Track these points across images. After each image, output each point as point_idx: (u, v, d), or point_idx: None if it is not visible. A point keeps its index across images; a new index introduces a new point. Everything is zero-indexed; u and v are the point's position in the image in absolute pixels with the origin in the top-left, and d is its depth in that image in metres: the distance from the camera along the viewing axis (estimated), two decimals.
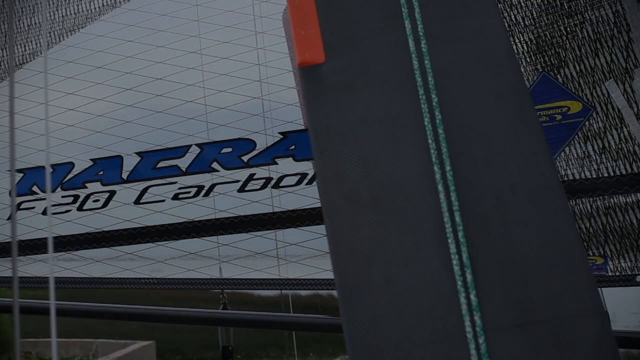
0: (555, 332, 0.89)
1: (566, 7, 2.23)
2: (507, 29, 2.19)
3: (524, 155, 1.01)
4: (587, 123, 2.20)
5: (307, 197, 2.34)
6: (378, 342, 0.88)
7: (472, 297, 0.89)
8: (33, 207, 2.51)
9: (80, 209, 2.44)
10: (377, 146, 1.01)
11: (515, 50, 2.20)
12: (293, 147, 2.34)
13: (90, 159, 2.44)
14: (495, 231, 0.94)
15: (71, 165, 2.46)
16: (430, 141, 1.00)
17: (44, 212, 2.50)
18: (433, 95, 1.03)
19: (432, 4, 1.11)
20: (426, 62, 1.06)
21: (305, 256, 2.33)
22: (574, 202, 2.21)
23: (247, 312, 3.15)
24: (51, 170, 2.49)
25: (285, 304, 3.65)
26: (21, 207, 2.53)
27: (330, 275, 2.52)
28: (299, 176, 2.34)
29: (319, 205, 2.37)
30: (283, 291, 4.11)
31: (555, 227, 0.95)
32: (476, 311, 0.88)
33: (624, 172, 2.15)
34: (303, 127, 2.47)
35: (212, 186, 2.35)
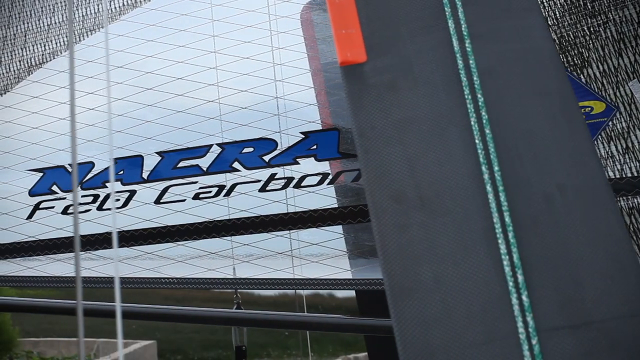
0: (607, 333, 0.88)
1: (589, 7, 2.22)
2: None
3: (570, 155, 1.00)
4: (610, 123, 2.19)
5: (330, 197, 2.34)
6: (429, 343, 0.88)
7: (524, 298, 0.89)
8: (52, 207, 2.51)
9: (100, 208, 2.44)
10: (423, 146, 1.01)
11: None
12: (315, 147, 2.34)
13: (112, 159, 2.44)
14: (544, 231, 0.94)
15: (91, 164, 2.46)
16: (477, 141, 0.99)
17: (64, 212, 2.50)
18: (479, 95, 1.02)
19: (475, 3, 1.10)
20: (471, 61, 1.05)
21: (328, 256, 2.33)
22: None
23: (263, 312, 3.12)
24: (71, 169, 2.49)
25: (299, 304, 3.65)
26: (40, 206, 2.53)
27: (346, 275, 2.51)
28: (321, 176, 2.34)
29: (339, 205, 2.37)
30: (292, 291, 4.11)
31: (604, 227, 0.95)
32: (528, 312, 0.88)
33: None
34: (323, 127, 2.47)
35: (233, 186, 2.35)
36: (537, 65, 1.06)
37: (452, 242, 0.93)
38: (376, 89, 1.07)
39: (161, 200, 2.38)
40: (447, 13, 1.09)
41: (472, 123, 1.00)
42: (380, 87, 1.07)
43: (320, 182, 2.33)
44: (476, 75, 1.04)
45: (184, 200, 2.37)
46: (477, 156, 0.98)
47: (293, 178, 2.33)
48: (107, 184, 2.43)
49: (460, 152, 0.99)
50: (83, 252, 2.54)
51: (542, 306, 0.88)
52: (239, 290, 2.67)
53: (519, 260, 0.91)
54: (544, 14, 2.25)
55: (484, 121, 1.00)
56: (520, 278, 0.90)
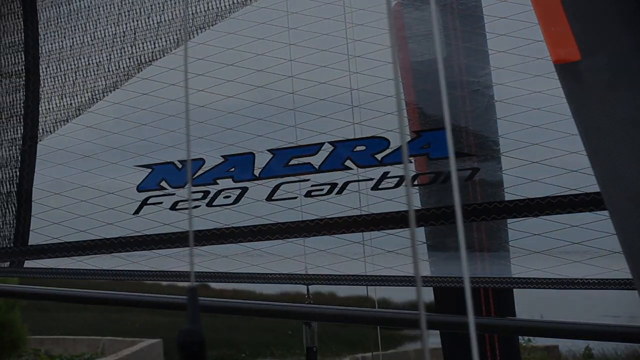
0: None
1: None
2: None
3: None
4: None
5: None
6: None
7: None
8: (161, 202, 2.54)
9: (210, 204, 2.46)
10: None
11: None
12: (427, 145, 2.33)
13: (221, 156, 2.46)
14: None
15: (201, 161, 2.48)
16: None
17: (172, 207, 2.53)
18: None
19: None
20: None
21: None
22: None
23: (338, 307, 3.09)
24: (180, 166, 2.52)
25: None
26: (148, 202, 2.57)
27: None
28: (433, 174, 2.33)
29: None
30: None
31: None
32: None
33: None
34: (412, 127, 2.47)
35: (346, 184, 2.35)
36: None
37: None
38: (595, 88, 1.06)
39: (273, 198, 2.40)
40: None
41: None
42: (600, 86, 1.07)
43: (432, 181, 2.33)
44: None
45: (295, 198, 2.38)
46: None
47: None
48: (218, 181, 2.45)
49: None
50: (188, 248, 2.56)
51: None
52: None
53: None
54: None
55: None
56: None
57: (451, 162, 1.13)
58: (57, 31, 2.67)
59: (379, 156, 2.35)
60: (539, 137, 2.22)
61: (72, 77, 2.65)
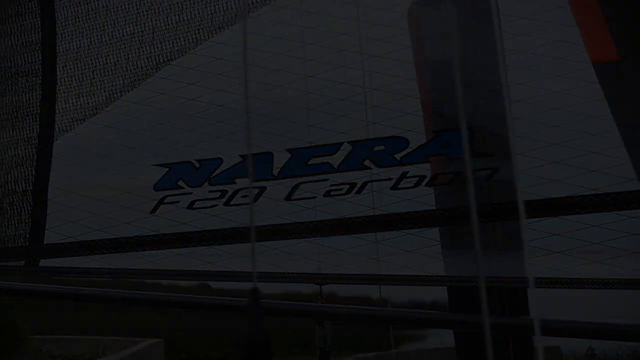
0: None
1: None
2: None
3: None
4: None
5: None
6: None
7: None
8: (178, 202, 2.54)
9: (227, 204, 2.46)
10: None
11: None
12: (446, 145, 2.34)
13: (240, 155, 2.46)
14: None
15: (219, 161, 2.48)
16: None
17: (189, 207, 2.53)
18: None
19: None
20: None
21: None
22: None
23: (349, 306, 3.10)
24: (198, 165, 2.52)
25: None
26: (165, 201, 2.57)
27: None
28: (452, 175, 2.34)
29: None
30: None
31: None
32: None
33: None
34: (427, 126, 2.48)
35: (365, 183, 2.36)
36: None
37: None
38: (635, 88, 1.07)
39: (292, 197, 2.40)
40: None
41: None
42: (639, 86, 1.07)
43: (452, 181, 2.33)
44: None
45: (314, 197, 2.38)
46: None
47: (425, 176, 2.34)
48: (236, 180, 2.45)
49: None
50: (205, 247, 2.56)
51: None
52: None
53: None
54: None
55: None
56: None
57: (514, 161, 1.14)
58: (75, 30, 2.67)
59: (398, 156, 2.35)
60: (559, 137, 2.22)
61: (90, 76, 2.65)
